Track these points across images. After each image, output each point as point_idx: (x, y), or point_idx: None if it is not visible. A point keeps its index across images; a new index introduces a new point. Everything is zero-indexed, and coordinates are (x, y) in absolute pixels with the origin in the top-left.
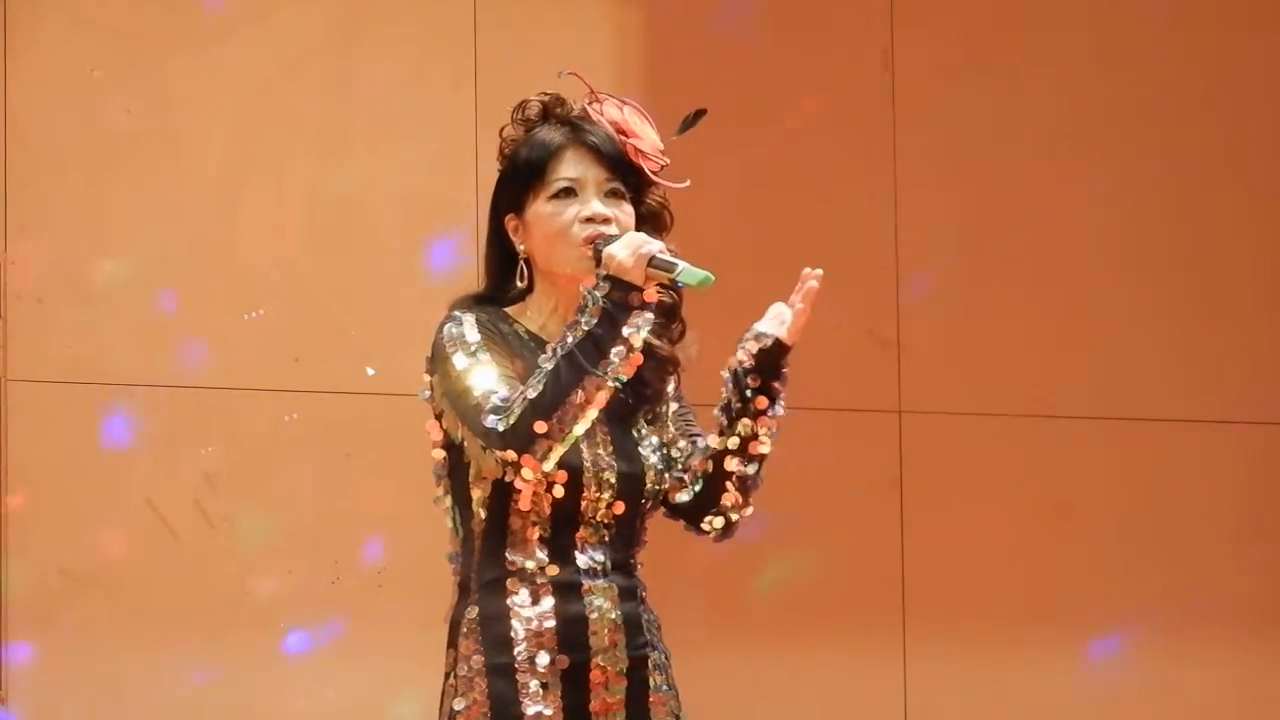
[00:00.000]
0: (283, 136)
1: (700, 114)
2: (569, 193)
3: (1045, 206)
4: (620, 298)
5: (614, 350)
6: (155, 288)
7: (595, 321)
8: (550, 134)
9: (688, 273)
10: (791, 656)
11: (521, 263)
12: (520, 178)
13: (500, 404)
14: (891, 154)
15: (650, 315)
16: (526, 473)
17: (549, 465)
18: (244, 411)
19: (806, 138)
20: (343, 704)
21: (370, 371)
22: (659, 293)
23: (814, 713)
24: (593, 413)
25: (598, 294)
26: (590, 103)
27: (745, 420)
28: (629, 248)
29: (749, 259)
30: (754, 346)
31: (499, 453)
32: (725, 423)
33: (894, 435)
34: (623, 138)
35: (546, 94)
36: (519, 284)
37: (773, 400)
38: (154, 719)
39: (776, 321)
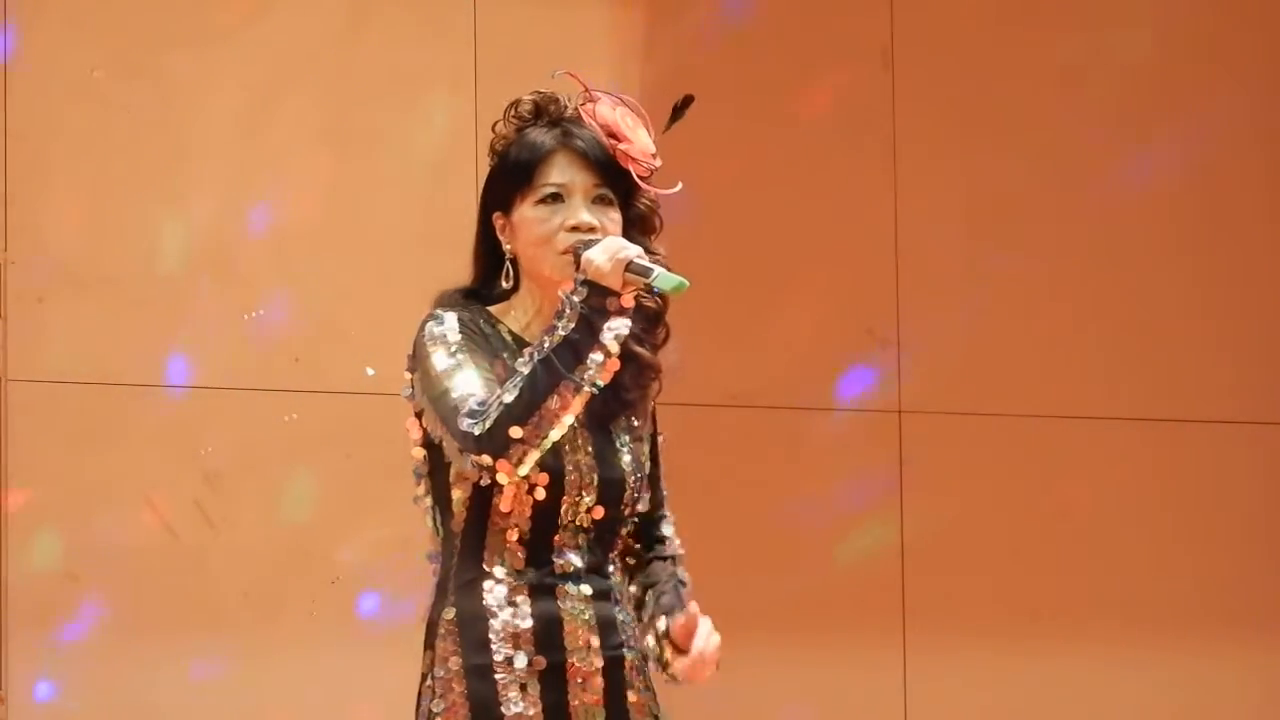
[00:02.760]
0: (283, 136)
1: (688, 101)
2: (556, 198)
3: (1046, 206)
4: (598, 303)
5: (591, 356)
6: (155, 287)
7: (573, 327)
8: (540, 136)
9: (663, 278)
10: (791, 657)
11: (508, 263)
12: (509, 178)
13: (477, 408)
14: (891, 154)
15: (627, 321)
16: (501, 477)
17: (524, 470)
18: (244, 411)
19: (806, 137)
20: (342, 703)
21: (370, 371)
22: (642, 298)
23: (814, 713)
24: (569, 418)
25: (575, 299)
26: (583, 104)
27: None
28: (607, 252)
29: (748, 259)
30: (660, 649)
31: (474, 457)
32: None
33: (894, 435)
34: (613, 141)
35: (540, 92)
36: (504, 284)
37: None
38: (153, 719)
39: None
